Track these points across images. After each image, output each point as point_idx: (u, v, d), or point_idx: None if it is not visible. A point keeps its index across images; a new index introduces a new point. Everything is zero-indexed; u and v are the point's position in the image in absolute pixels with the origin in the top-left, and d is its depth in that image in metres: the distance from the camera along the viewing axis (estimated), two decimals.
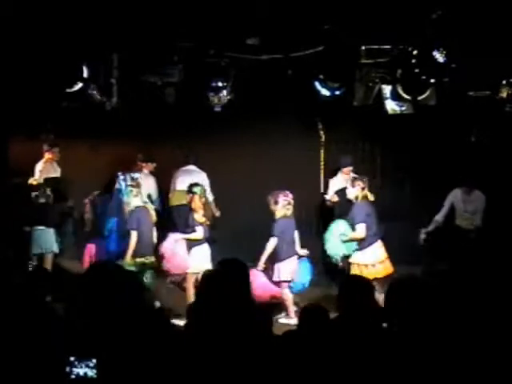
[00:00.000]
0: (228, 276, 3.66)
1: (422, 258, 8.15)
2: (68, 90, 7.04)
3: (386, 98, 7.36)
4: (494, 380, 3.19)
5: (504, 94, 6.90)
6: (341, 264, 7.22)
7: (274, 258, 7.05)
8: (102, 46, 7.00)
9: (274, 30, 6.68)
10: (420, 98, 7.00)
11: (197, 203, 7.12)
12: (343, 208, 7.76)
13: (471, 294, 5.07)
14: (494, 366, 3.23)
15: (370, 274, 6.55)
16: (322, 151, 9.74)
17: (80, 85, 7.07)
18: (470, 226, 7.88)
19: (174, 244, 7.12)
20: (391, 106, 7.40)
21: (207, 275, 3.93)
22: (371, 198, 7.22)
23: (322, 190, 9.66)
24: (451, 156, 8.78)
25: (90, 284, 2.96)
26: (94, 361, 2.71)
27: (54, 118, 8.74)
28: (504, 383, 3.21)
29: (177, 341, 3.15)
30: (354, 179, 7.17)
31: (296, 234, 7.26)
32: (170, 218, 8.55)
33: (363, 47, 6.90)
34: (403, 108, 7.36)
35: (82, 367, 2.71)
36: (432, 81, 6.77)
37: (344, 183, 8.06)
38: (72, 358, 2.72)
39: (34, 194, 8.21)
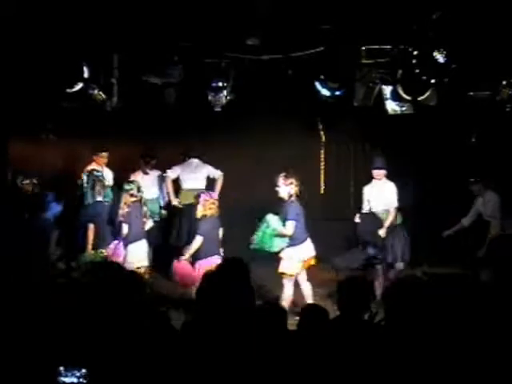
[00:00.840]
0: (229, 274, 3.66)
1: (422, 259, 8.17)
2: (69, 90, 7.04)
3: (387, 99, 7.35)
4: (494, 380, 3.20)
5: (504, 95, 6.91)
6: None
7: (196, 256, 7.16)
8: (102, 46, 7.00)
9: (275, 30, 6.67)
10: (420, 98, 6.99)
11: (124, 200, 7.30)
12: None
13: (471, 295, 5.06)
14: (493, 366, 3.23)
15: (301, 268, 6.85)
16: (322, 151, 9.75)
17: (80, 85, 7.07)
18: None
19: (116, 243, 7.33)
20: (391, 106, 7.40)
21: (209, 273, 3.93)
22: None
23: (321, 191, 9.68)
24: (452, 156, 8.79)
25: (91, 284, 2.97)
26: (83, 370, 2.70)
27: (55, 118, 8.74)
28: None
29: (176, 342, 3.15)
30: (286, 177, 7.01)
31: (220, 233, 7.40)
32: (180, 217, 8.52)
33: (363, 47, 6.89)
34: (403, 108, 7.36)
35: (69, 376, 2.71)
36: (432, 81, 6.76)
37: (377, 190, 7.82)
38: (61, 368, 2.71)
39: (25, 182, 8.25)
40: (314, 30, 6.73)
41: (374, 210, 7.78)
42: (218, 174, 8.62)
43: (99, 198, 7.49)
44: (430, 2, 6.30)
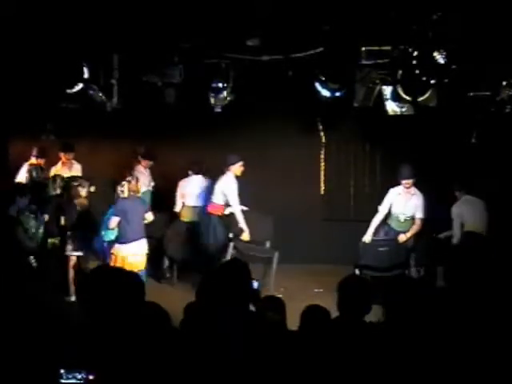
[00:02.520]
0: (228, 275, 3.66)
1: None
2: (69, 91, 7.04)
3: (387, 99, 7.35)
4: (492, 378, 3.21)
5: (504, 95, 6.90)
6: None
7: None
8: (102, 47, 7.00)
9: (275, 30, 6.67)
10: (420, 99, 6.98)
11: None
12: None
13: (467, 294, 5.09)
14: (490, 365, 3.24)
15: (130, 265, 7.00)
16: (323, 152, 9.75)
17: (81, 85, 7.07)
18: None
19: None
20: (392, 106, 7.40)
21: (208, 274, 3.94)
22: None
23: (322, 192, 9.67)
24: (451, 157, 8.79)
25: (91, 286, 2.96)
26: (83, 373, 2.70)
27: (55, 119, 8.75)
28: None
29: (177, 342, 3.15)
30: (123, 176, 7.52)
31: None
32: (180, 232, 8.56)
33: (363, 48, 6.89)
34: (404, 109, 7.36)
35: (70, 379, 2.71)
36: (432, 82, 6.76)
37: (404, 198, 8.00)
38: (62, 371, 2.72)
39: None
40: (314, 31, 6.72)
41: (395, 215, 8.07)
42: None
43: (58, 192, 8.01)
44: (429, 2, 6.29)
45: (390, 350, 3.21)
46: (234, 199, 8.07)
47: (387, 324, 3.39)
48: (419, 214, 8.00)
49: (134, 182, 7.43)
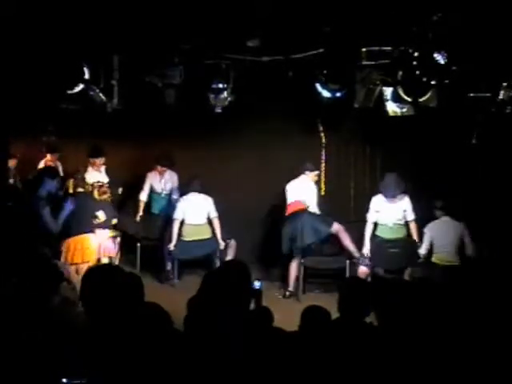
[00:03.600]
0: (229, 276, 3.66)
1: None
2: (69, 92, 7.05)
3: (387, 100, 7.35)
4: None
5: (504, 96, 6.90)
6: None
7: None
8: (102, 48, 7.00)
9: (275, 31, 6.68)
10: (421, 99, 6.99)
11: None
12: None
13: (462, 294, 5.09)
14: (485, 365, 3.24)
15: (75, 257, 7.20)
16: (323, 153, 9.74)
17: (81, 86, 7.07)
18: None
19: None
20: (392, 107, 7.40)
21: (209, 274, 3.94)
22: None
23: (322, 193, 9.66)
24: (452, 158, 8.78)
25: (90, 286, 2.96)
26: (84, 381, 2.70)
27: (56, 120, 8.75)
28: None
29: (178, 344, 3.15)
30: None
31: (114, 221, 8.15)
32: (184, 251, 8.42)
33: (364, 49, 6.90)
34: (404, 110, 7.36)
35: None
36: (433, 82, 6.76)
37: (389, 205, 7.98)
38: (64, 380, 2.71)
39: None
40: (315, 32, 6.73)
41: (382, 222, 8.02)
42: (213, 214, 8.45)
43: None
44: (430, 3, 6.30)
45: (390, 351, 3.21)
46: (314, 204, 8.23)
47: (384, 326, 3.40)
48: (411, 217, 7.99)
49: (80, 178, 7.64)
